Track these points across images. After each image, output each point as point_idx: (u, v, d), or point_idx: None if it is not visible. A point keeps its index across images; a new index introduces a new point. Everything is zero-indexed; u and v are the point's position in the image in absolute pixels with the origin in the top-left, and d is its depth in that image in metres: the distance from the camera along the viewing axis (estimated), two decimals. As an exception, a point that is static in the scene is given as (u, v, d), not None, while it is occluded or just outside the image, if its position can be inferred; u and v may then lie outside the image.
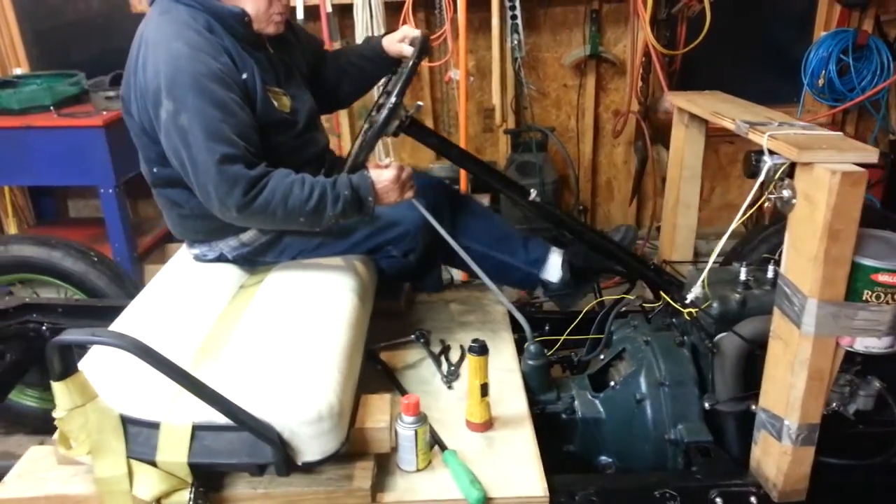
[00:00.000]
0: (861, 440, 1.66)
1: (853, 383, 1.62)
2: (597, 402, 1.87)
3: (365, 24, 3.21)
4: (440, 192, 2.18)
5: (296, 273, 1.86)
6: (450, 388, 1.85)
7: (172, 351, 1.46)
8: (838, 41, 3.46)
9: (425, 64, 3.49)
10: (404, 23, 3.20)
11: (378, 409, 1.56)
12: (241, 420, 1.28)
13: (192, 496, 1.31)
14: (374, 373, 1.90)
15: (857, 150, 1.34)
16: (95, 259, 2.28)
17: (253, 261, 1.91)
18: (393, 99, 1.73)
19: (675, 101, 2.05)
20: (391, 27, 3.23)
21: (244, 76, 1.70)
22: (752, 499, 1.56)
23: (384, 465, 1.56)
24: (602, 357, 2.01)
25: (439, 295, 2.33)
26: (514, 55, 3.43)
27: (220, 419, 1.31)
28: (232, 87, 1.65)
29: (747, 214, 1.53)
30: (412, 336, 2.03)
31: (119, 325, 1.65)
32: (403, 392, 1.82)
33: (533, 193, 1.97)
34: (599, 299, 2.14)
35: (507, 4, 3.26)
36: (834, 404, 1.62)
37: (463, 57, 2.95)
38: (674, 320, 1.92)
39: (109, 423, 1.28)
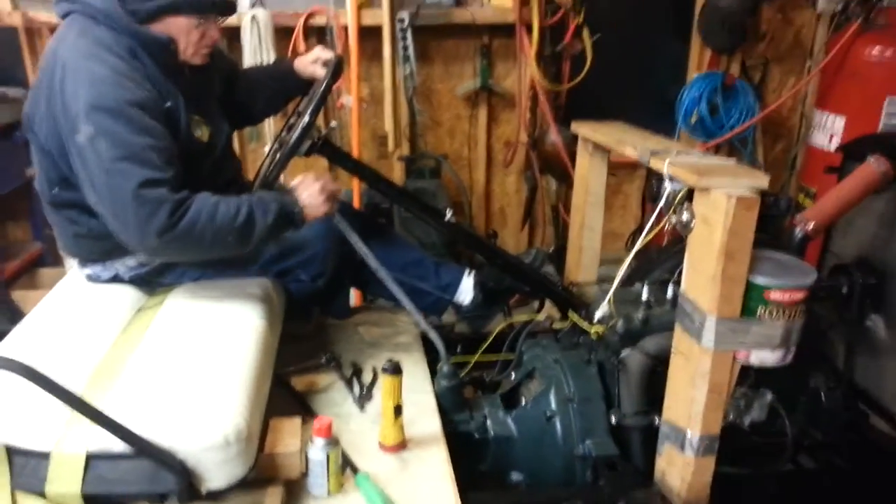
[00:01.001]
0: (755, 450, 1.75)
1: (748, 396, 1.71)
2: (508, 420, 1.89)
3: (254, 49, 3.16)
4: (350, 216, 2.16)
5: (199, 295, 1.78)
6: (362, 410, 1.81)
7: (64, 377, 1.36)
8: (709, 82, 3.74)
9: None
10: (294, 49, 3.21)
11: (288, 433, 1.50)
12: (140, 447, 1.20)
13: (84, 532, 1.21)
14: (283, 398, 1.85)
15: (751, 176, 1.43)
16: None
17: (151, 282, 1.82)
18: (306, 119, 1.71)
19: (580, 130, 2.13)
20: (280, 53, 3.22)
21: (168, 104, 1.63)
22: (657, 509, 1.62)
23: (294, 491, 1.50)
24: (513, 376, 2.03)
25: (350, 319, 2.29)
26: (406, 84, 3.48)
27: (117, 447, 1.23)
28: (157, 116, 1.58)
29: (650, 236, 1.60)
30: (322, 360, 1.99)
31: (1, 350, 1.52)
32: (314, 416, 1.77)
33: (449, 214, 1.98)
34: (510, 320, 2.17)
35: (399, 35, 3.33)
36: (730, 416, 1.70)
37: (355, 84, 2.97)
38: (581, 339, 1.97)
39: (-10, 454, 1.17)
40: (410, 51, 3.40)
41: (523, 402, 1.92)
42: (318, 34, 3.42)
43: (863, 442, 1.93)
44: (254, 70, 2.16)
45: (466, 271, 2.20)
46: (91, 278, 1.81)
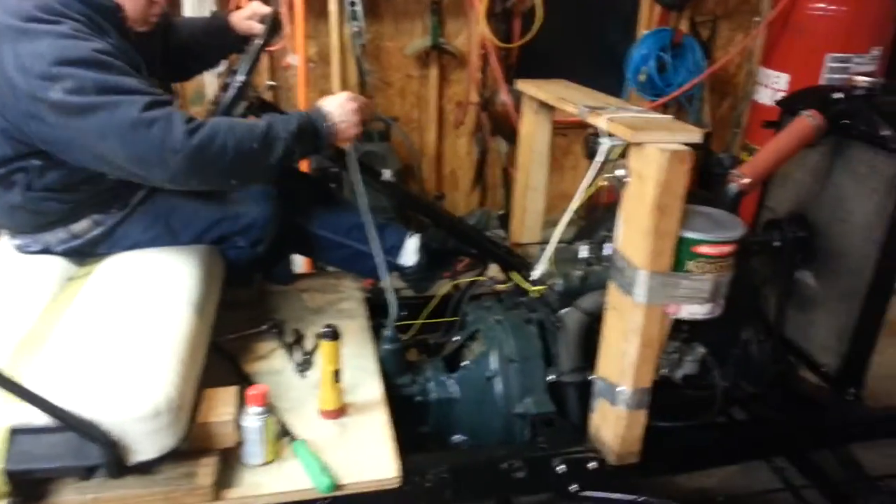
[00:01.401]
0: (687, 404, 1.79)
1: (680, 350, 1.74)
2: (450, 382, 1.90)
3: (193, 4, 3.05)
4: (294, 178, 2.12)
5: (130, 263, 1.73)
6: (303, 377, 1.80)
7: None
8: (657, 40, 3.74)
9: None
10: (237, 3, 3.07)
11: (222, 403, 1.48)
12: (62, 418, 1.17)
13: (7, 508, 1.18)
14: (222, 366, 1.82)
15: (685, 131, 1.43)
16: None
17: (84, 253, 1.76)
18: (239, 78, 1.65)
19: (524, 88, 2.11)
20: (221, 6, 3.10)
21: (132, 62, 1.56)
22: (592, 463, 1.65)
23: (230, 461, 1.48)
24: (456, 339, 2.04)
25: (293, 284, 2.26)
26: (354, 43, 3.39)
27: (40, 420, 1.20)
28: (128, 66, 1.51)
29: (588, 193, 1.60)
30: (264, 327, 1.96)
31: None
32: (252, 384, 1.75)
33: (387, 174, 1.95)
34: (454, 283, 2.17)
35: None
36: (663, 370, 1.73)
37: (301, 42, 2.88)
38: (523, 299, 1.98)
39: None
40: (358, 6, 3.30)
41: (464, 364, 1.92)
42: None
43: (790, 393, 1.99)
44: (187, 23, 2.06)
45: (409, 233, 2.18)
46: (20, 249, 1.74)
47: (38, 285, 1.64)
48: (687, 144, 1.39)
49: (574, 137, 3.94)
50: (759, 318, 2.00)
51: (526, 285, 1.87)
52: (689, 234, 1.44)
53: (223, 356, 1.84)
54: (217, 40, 1.94)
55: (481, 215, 2.23)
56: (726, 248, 1.46)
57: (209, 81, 3.24)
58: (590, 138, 1.57)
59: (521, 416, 1.80)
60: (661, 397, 1.77)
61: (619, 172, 1.49)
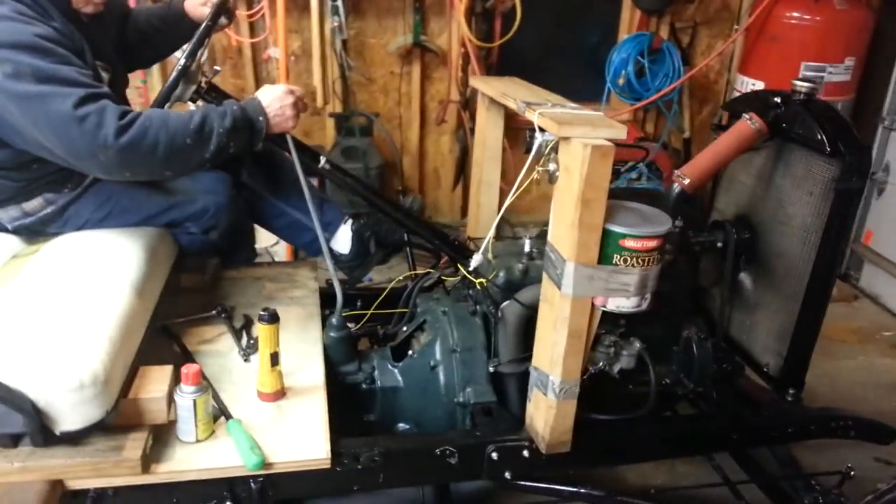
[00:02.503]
0: (623, 398, 1.83)
1: (618, 344, 1.77)
2: (395, 371, 1.93)
3: None
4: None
5: (77, 243, 1.77)
6: (247, 360, 1.82)
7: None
8: (636, 44, 3.77)
9: (246, 40, 3.42)
10: None
11: (156, 380, 1.51)
12: (-15, 388, 1.20)
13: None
14: (169, 348, 1.86)
15: (610, 127, 1.47)
16: None
17: (35, 231, 1.80)
18: (182, 62, 1.68)
19: (476, 84, 2.15)
20: None
21: (75, 46, 1.60)
22: (525, 452, 1.68)
23: (164, 437, 1.51)
24: (405, 329, 2.07)
25: (250, 272, 2.29)
26: (335, 38, 3.43)
27: (-36, 389, 1.23)
28: (70, 51, 1.54)
29: (522, 187, 1.63)
30: (213, 311, 1.99)
31: None
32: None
33: (322, 160, 1.97)
34: (409, 273, 2.20)
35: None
36: (600, 364, 1.77)
37: (282, 35, 2.91)
38: (470, 291, 2.01)
39: None
40: (339, 2, 3.33)
41: (410, 353, 1.96)
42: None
43: (731, 391, 2.02)
44: (144, 11, 2.10)
45: (345, 219, 2.20)
46: None
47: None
48: (612, 140, 1.43)
49: None
50: (703, 317, 2.04)
51: (471, 277, 1.90)
52: (615, 228, 1.47)
53: (170, 338, 1.88)
54: (173, 28, 1.98)
55: (412, 201, 2.25)
56: (651, 243, 1.49)
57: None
58: (527, 133, 1.60)
59: (462, 405, 1.83)
60: (598, 390, 1.83)
61: (551, 167, 1.53)
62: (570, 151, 1.45)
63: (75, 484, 1.39)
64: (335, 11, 3.39)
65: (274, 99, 1.65)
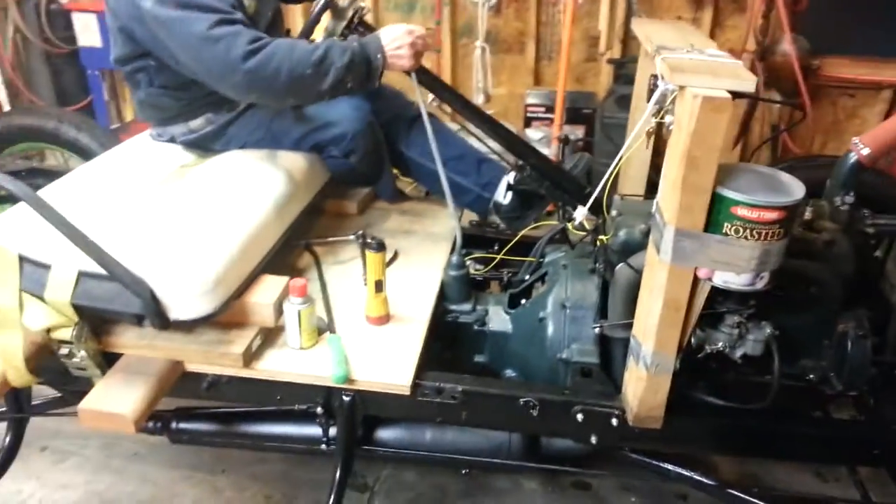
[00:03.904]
0: (741, 385, 1.64)
1: (743, 326, 1.58)
2: (507, 317, 1.92)
3: None
4: (399, 104, 2.22)
5: (235, 159, 1.98)
6: (366, 284, 1.93)
7: (89, 208, 1.64)
8: None
9: None
10: None
11: (269, 288, 1.68)
12: (112, 271, 1.42)
13: (75, 332, 1.48)
14: (307, 262, 2.03)
15: (735, 77, 1.28)
16: (94, 128, 2.49)
17: (202, 147, 2.04)
18: None
19: (636, 28, 1.98)
20: None
21: None
22: (614, 420, 1.60)
23: (274, 340, 1.69)
24: (528, 278, 2.04)
25: (398, 205, 2.40)
26: None
27: (103, 269, 1.46)
28: None
29: (639, 141, 1.50)
30: (351, 236, 2.12)
31: (59, 184, 1.82)
32: (323, 283, 1.94)
33: (431, 99, 1.95)
34: (537, 224, 2.15)
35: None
36: (720, 345, 1.60)
37: None
38: (595, 248, 1.91)
39: (6, 259, 1.45)
40: None
41: (524, 302, 1.93)
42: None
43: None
44: None
45: (507, 171, 2.20)
46: (153, 137, 2.08)
47: (155, 167, 1.95)
48: (734, 94, 1.25)
49: (864, 99, 3.47)
50: (863, 311, 1.73)
51: (574, 232, 1.82)
52: (727, 193, 1.30)
53: (311, 254, 2.05)
54: None
55: (580, 158, 2.15)
56: (771, 214, 1.29)
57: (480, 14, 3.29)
58: (650, 80, 1.46)
59: (564, 361, 1.78)
60: (713, 372, 1.67)
61: (668, 119, 1.38)
62: (682, 102, 1.30)
63: (193, 367, 1.61)
64: None
65: (394, 38, 1.68)
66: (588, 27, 3.48)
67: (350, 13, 1.86)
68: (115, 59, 1.90)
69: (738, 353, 1.61)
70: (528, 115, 3.61)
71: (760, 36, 3.31)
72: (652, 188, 2.24)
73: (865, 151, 1.58)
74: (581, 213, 1.65)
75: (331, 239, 2.12)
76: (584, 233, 1.93)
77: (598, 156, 2.99)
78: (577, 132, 3.45)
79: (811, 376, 1.71)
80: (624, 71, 3.46)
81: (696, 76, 1.29)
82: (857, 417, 1.80)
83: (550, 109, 3.32)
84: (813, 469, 2.17)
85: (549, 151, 3.03)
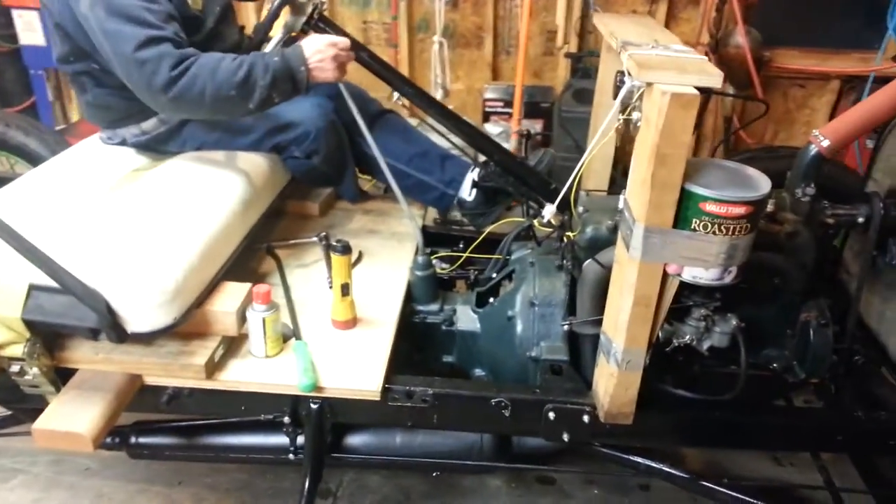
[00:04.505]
0: (708, 377, 1.66)
1: (710, 319, 1.60)
2: (475, 316, 1.91)
3: None
4: (360, 102, 2.18)
5: (191, 162, 1.92)
6: (331, 288, 1.89)
7: (38, 217, 1.56)
8: None
9: None
10: None
11: (231, 295, 1.62)
12: (66, 284, 1.35)
13: (26, 349, 1.41)
14: (269, 266, 1.98)
15: (702, 73, 1.28)
16: (42, 132, 2.39)
17: (156, 149, 1.97)
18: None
19: (598, 22, 1.97)
20: None
21: None
22: (585, 417, 1.59)
23: (238, 350, 1.63)
24: (495, 276, 2.02)
25: (361, 204, 2.36)
26: None
27: (55, 282, 1.39)
28: None
29: (606, 137, 1.50)
30: (314, 238, 2.07)
31: (5, 191, 1.73)
32: (287, 287, 1.89)
33: (395, 96, 1.95)
34: (503, 221, 2.14)
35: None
36: (687, 338, 1.61)
37: None
38: (561, 245, 1.91)
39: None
40: None
41: (492, 301, 1.91)
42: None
43: (858, 387, 1.75)
44: None
45: (471, 168, 2.18)
46: (104, 141, 1.99)
47: (106, 171, 1.86)
48: (700, 89, 1.25)
49: (813, 89, 3.55)
50: (823, 301, 1.76)
51: (540, 228, 1.81)
52: (695, 189, 1.30)
53: (272, 258, 2.00)
54: None
55: (543, 155, 2.15)
56: (738, 209, 1.30)
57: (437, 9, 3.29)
58: (616, 76, 1.45)
59: (534, 359, 1.77)
60: (681, 365, 1.68)
61: (635, 115, 1.37)
62: (650, 99, 1.29)
63: (152, 380, 1.55)
64: None
65: (315, 50, 1.66)
66: (545, 21, 3.49)
67: (309, 9, 1.82)
68: (58, 58, 1.82)
69: (706, 345, 1.62)
70: (487, 109, 3.60)
71: (714, 28, 3.36)
72: (614, 183, 2.26)
73: (826, 143, 1.60)
74: (550, 210, 1.63)
75: (293, 241, 2.07)
76: (549, 229, 1.93)
77: (557, 150, 2.99)
78: (536, 126, 3.45)
79: (775, 365, 1.74)
80: (581, 65, 3.47)
81: (663, 72, 1.28)
82: (814, 404, 1.83)
83: (508, 104, 3.31)
84: (769, 455, 2.21)
85: (509, 146, 3.02)
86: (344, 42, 1.72)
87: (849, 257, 1.93)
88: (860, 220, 1.69)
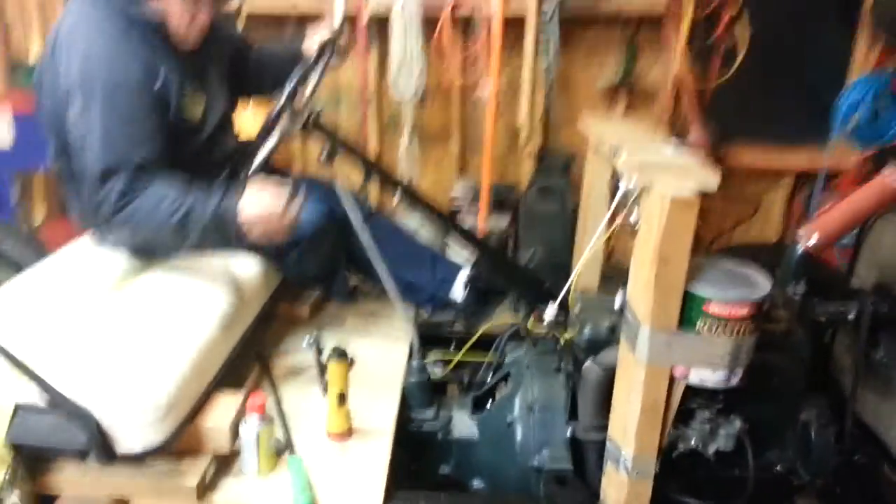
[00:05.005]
0: (726, 483, 1.61)
1: (714, 422, 1.58)
2: (472, 422, 1.86)
3: (400, 37, 3.14)
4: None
5: (184, 266, 1.88)
6: (325, 396, 1.83)
7: (22, 325, 1.50)
8: (871, 86, 3.30)
9: (455, 82, 3.44)
10: (439, 37, 3.15)
11: (224, 409, 1.56)
12: (55, 402, 1.29)
13: (7, 476, 1.32)
14: (260, 375, 1.92)
15: (700, 177, 1.32)
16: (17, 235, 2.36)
17: (150, 251, 1.92)
18: (282, 101, 1.74)
19: (582, 126, 2.04)
20: (427, 37, 3.18)
21: (158, 85, 1.71)
22: (596, 531, 1.53)
23: (229, 467, 1.55)
24: (490, 379, 1.99)
25: (352, 306, 2.33)
26: (547, 77, 3.34)
27: (43, 401, 1.33)
28: (142, 96, 1.68)
29: (603, 238, 1.52)
30: (304, 343, 2.03)
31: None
32: (278, 398, 1.83)
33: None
34: (492, 323, 2.12)
35: (545, 19, 3.19)
36: (692, 442, 1.58)
37: (496, 74, 2.92)
38: (558, 346, 1.89)
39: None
40: (552, 43, 3.22)
41: (489, 406, 1.87)
42: (465, 24, 3.33)
43: (863, 487, 1.73)
44: (267, 47, 2.22)
45: (462, 268, 2.18)
46: (95, 243, 1.95)
47: (96, 276, 1.82)
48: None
49: (767, 185, 3.63)
50: (823, 400, 1.76)
51: (538, 330, 1.80)
52: (698, 291, 1.31)
53: (262, 366, 1.94)
54: (290, 64, 2.05)
55: (534, 252, 2.17)
56: (741, 310, 1.31)
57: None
58: (612, 181, 1.49)
59: (536, 469, 1.71)
60: (688, 471, 1.64)
61: (633, 218, 1.40)
62: (649, 202, 1.32)
63: (141, 503, 1.46)
64: (546, 51, 3.32)
65: (259, 208, 1.66)
66: (509, 120, 3.57)
67: (305, 115, 1.85)
68: (57, 153, 1.82)
69: (712, 449, 1.59)
70: (453, 208, 3.64)
71: (671, 129, 3.50)
72: (604, 280, 2.28)
73: (812, 242, 1.64)
74: (552, 310, 1.63)
75: (283, 348, 2.02)
76: (544, 330, 1.92)
77: (523, 246, 3.03)
78: (502, 223, 3.48)
79: (778, 467, 1.71)
80: (544, 164, 3.55)
81: (661, 176, 1.32)
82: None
83: (475, 200, 3.35)
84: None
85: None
86: (297, 202, 1.71)
87: (839, 353, 1.95)
88: (850, 316, 1.71)
